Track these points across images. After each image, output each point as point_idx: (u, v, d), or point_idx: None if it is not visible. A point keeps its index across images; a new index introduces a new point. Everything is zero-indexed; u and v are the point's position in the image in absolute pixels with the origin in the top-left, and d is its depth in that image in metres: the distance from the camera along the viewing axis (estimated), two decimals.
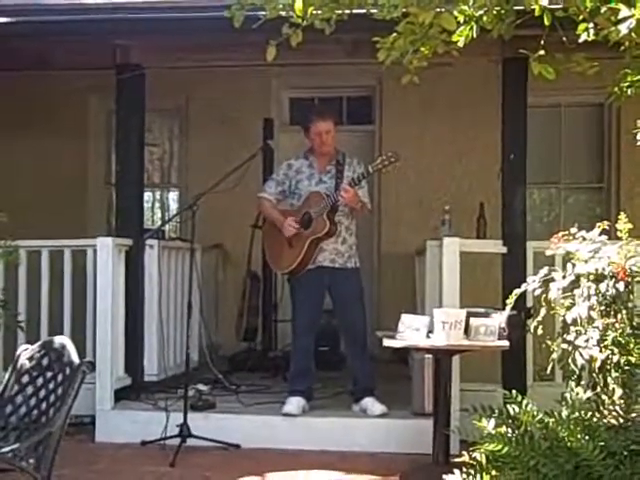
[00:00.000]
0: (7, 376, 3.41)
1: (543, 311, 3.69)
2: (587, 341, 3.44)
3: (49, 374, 3.27)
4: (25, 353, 3.43)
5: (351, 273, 5.14)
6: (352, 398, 5.17)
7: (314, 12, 3.56)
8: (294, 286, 5.23)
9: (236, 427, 4.99)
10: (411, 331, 4.17)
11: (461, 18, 3.40)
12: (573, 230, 3.75)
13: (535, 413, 3.27)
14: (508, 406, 3.37)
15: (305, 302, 5.14)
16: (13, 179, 7.52)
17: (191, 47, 5.58)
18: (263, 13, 3.66)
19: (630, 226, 3.68)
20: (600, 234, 3.68)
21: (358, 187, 4.96)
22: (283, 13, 3.63)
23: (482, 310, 4.25)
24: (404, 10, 3.47)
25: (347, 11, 3.65)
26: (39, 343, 3.46)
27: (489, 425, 3.23)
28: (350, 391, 5.20)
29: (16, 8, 5.57)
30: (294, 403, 5.02)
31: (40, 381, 3.30)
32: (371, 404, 5.02)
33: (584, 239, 3.69)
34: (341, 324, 5.31)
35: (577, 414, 3.24)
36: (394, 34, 3.51)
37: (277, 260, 5.31)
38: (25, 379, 3.36)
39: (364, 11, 3.70)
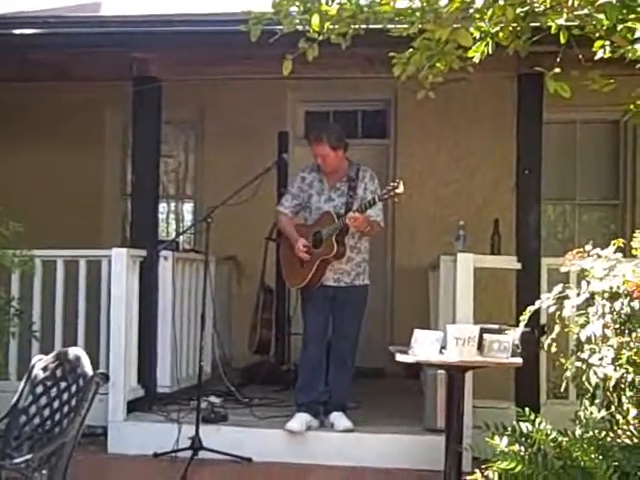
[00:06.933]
0: (21, 386, 3.42)
1: (557, 328, 3.66)
2: (601, 359, 3.40)
3: (63, 385, 3.26)
4: (39, 363, 3.43)
5: (356, 290, 5.12)
6: (323, 410, 5.13)
7: (331, 27, 3.57)
8: (304, 299, 5.25)
9: (248, 440, 4.98)
10: (424, 346, 4.15)
11: (477, 34, 3.41)
12: (588, 247, 3.73)
13: (548, 431, 3.25)
14: (521, 424, 3.36)
15: (312, 314, 5.15)
16: (29, 190, 7.57)
17: (208, 60, 5.62)
18: (280, 27, 3.66)
19: None
20: (615, 251, 3.65)
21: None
22: (300, 27, 3.64)
23: (495, 326, 4.23)
24: (420, 26, 3.47)
25: (364, 26, 3.66)
26: (53, 354, 3.45)
27: (502, 443, 3.21)
28: (322, 402, 5.15)
29: (36, 20, 5.64)
30: (297, 420, 4.99)
31: (54, 392, 3.29)
32: (337, 419, 5.01)
33: (599, 256, 3.66)
34: (332, 337, 5.25)
35: (591, 433, 3.22)
36: (410, 49, 3.52)
37: (289, 276, 5.34)
38: (39, 389, 3.35)
39: (380, 26, 3.71)
